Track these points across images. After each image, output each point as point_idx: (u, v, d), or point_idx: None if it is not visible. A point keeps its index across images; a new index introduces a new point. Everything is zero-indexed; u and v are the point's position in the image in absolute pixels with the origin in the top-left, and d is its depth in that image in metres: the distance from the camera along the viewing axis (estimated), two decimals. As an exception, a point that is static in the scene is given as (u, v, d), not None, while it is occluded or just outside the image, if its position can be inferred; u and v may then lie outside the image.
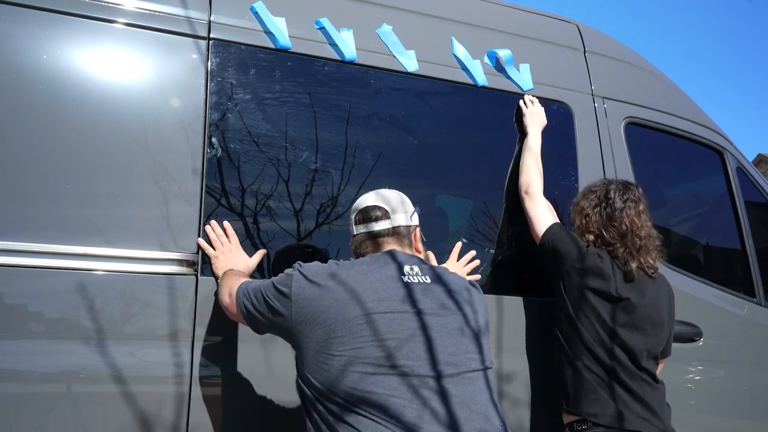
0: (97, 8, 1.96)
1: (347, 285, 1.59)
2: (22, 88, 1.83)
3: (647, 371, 2.18)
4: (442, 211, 2.53)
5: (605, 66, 2.89)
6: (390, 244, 1.77)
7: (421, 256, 1.83)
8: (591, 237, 2.30)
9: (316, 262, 1.70)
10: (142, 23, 2.00)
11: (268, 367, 2.00)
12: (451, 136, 2.49)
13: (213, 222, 1.97)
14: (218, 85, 2.07)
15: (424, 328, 1.58)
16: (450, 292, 1.69)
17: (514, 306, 2.38)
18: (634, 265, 2.21)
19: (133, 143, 1.93)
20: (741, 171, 3.13)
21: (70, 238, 1.81)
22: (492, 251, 2.51)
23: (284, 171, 2.13)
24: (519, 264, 2.52)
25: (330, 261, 1.71)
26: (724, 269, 3.21)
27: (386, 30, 2.37)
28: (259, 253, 2.01)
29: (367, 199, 1.83)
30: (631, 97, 2.87)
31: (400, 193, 1.88)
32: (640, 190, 2.35)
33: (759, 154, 19.62)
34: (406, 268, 1.67)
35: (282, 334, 1.68)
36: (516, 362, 2.35)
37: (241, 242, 2.00)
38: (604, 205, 2.29)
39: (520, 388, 2.34)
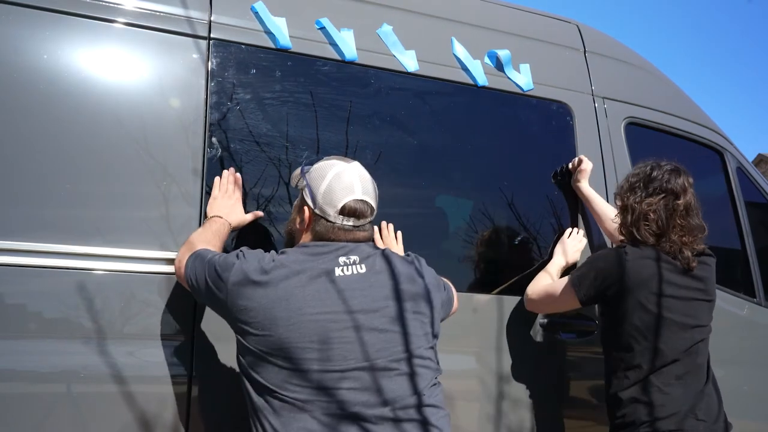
0: (97, 8, 1.95)
1: (278, 285, 1.57)
2: (22, 88, 1.83)
3: (708, 366, 2.12)
4: (442, 211, 2.53)
5: (605, 66, 2.88)
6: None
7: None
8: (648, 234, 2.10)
9: (258, 251, 1.67)
10: (142, 23, 2.00)
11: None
12: (452, 136, 2.49)
13: (229, 170, 2.00)
14: (218, 85, 2.07)
15: (350, 327, 1.57)
16: (388, 281, 1.66)
17: (516, 306, 2.39)
18: (688, 254, 2.07)
19: (133, 143, 1.92)
20: (741, 171, 3.13)
21: (70, 238, 1.81)
22: (493, 252, 2.52)
23: (285, 171, 2.13)
24: (520, 263, 2.52)
25: (271, 252, 1.68)
26: (724, 269, 3.20)
27: (386, 30, 2.37)
28: (254, 214, 2.01)
29: (355, 188, 1.70)
30: (631, 97, 2.87)
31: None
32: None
33: (759, 154, 19.62)
34: (342, 259, 1.64)
35: (220, 314, 1.69)
36: (516, 362, 2.35)
37: (241, 241, 2.00)
38: (672, 197, 2.09)
39: (520, 388, 2.35)
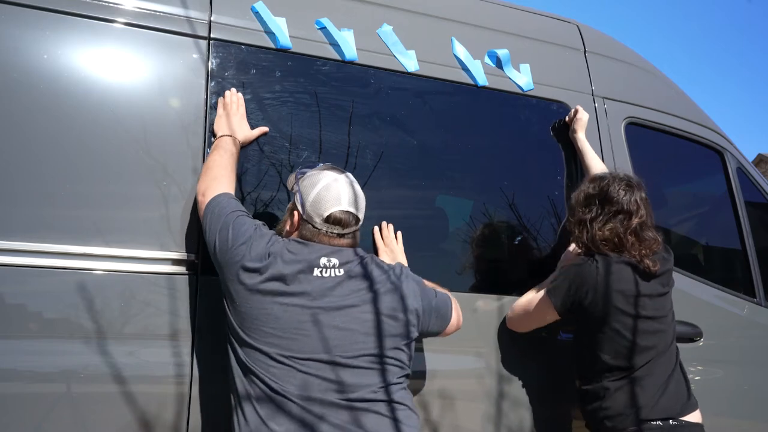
0: (97, 8, 1.95)
1: (264, 272, 1.70)
2: (22, 88, 1.83)
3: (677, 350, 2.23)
4: (443, 211, 2.53)
5: (605, 66, 2.88)
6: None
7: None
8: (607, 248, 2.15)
9: (269, 236, 1.78)
10: (142, 23, 2.00)
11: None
12: (452, 136, 2.49)
13: (230, 90, 2.07)
14: (219, 85, 2.07)
15: (311, 321, 1.68)
16: (361, 285, 1.75)
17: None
18: (648, 262, 2.13)
19: (134, 143, 1.93)
20: (741, 171, 3.13)
21: (70, 238, 1.81)
22: (492, 252, 2.52)
23: (285, 171, 2.13)
24: (520, 264, 2.52)
25: (279, 243, 1.76)
26: (724, 269, 3.21)
27: (386, 30, 2.37)
28: (260, 129, 2.10)
29: (342, 200, 1.79)
30: (631, 97, 2.87)
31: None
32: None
33: (759, 154, 19.62)
34: (323, 260, 1.74)
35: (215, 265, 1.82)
36: (517, 362, 2.35)
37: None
38: (625, 217, 2.15)
39: (520, 388, 2.35)
